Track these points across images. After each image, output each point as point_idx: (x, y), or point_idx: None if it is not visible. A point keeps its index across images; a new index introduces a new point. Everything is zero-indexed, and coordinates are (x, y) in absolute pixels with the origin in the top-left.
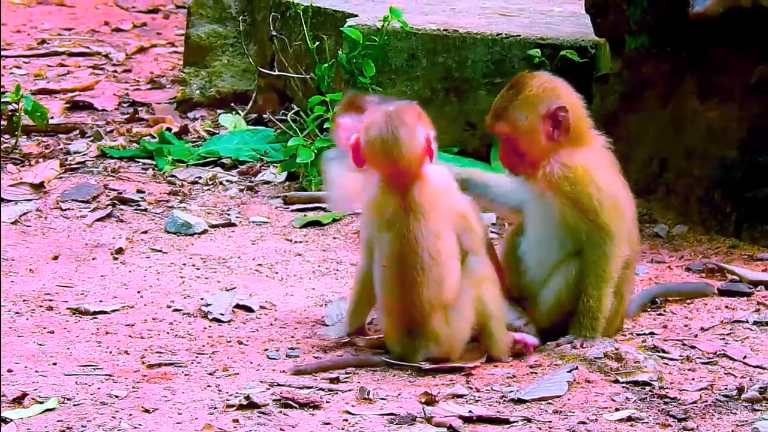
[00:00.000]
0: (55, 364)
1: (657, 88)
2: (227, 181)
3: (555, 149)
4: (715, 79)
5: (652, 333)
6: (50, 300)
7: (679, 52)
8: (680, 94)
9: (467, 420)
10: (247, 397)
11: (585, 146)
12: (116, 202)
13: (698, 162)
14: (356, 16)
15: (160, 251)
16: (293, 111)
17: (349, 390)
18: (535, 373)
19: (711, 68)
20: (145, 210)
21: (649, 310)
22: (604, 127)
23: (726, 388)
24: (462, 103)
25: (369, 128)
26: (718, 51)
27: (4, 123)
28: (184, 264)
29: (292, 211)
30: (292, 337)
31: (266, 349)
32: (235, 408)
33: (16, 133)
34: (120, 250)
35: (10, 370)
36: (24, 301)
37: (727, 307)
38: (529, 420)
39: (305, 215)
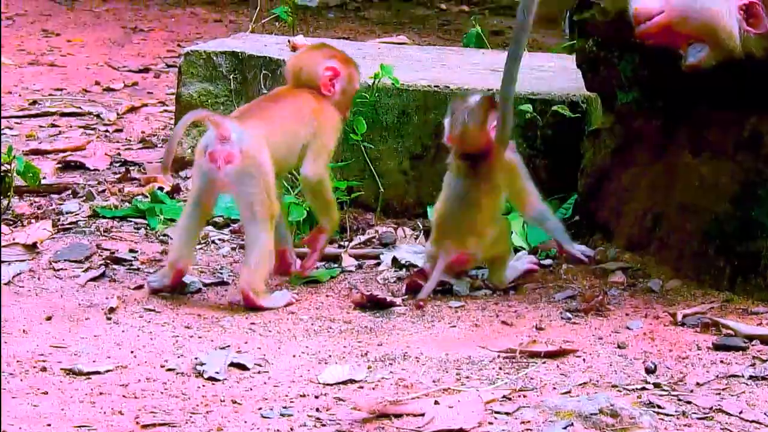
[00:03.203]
0: (49, 425)
1: (649, 142)
2: (219, 239)
3: None
4: (707, 133)
5: (645, 388)
6: (44, 361)
7: (671, 106)
8: (672, 148)
9: None
10: None
11: None
12: (109, 261)
13: (691, 216)
14: None
15: (153, 311)
16: None
17: None
18: (530, 430)
19: (703, 122)
20: (138, 269)
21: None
22: (596, 182)
23: None
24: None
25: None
26: (710, 105)
27: None
28: (178, 323)
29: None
30: (286, 395)
31: (260, 408)
32: None
33: (9, 194)
34: (113, 310)
35: None
36: (18, 362)
37: (722, 361)
38: None
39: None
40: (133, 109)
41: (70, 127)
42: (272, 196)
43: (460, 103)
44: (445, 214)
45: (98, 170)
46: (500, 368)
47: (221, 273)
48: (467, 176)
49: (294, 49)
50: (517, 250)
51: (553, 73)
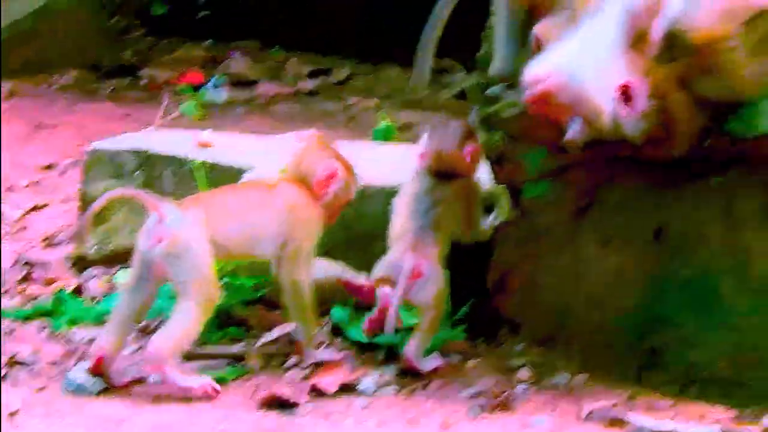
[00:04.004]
0: None
1: (556, 236)
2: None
3: None
4: (614, 226)
5: None
6: None
7: (578, 200)
8: (579, 241)
9: None
10: None
11: None
12: (12, 364)
13: (598, 310)
14: (253, 169)
15: (57, 413)
16: None
17: None
18: None
19: (610, 216)
20: (41, 371)
21: None
22: (503, 275)
23: None
24: (363, 256)
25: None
26: (617, 197)
27: None
28: (82, 426)
29: (192, 368)
30: None
31: None
32: None
33: None
34: (15, 413)
35: None
36: None
37: None
38: None
39: (207, 371)
40: (36, 208)
41: None
42: (207, 280)
43: (438, 126)
44: (407, 228)
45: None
46: None
47: (130, 370)
48: (434, 192)
49: (201, 145)
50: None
51: None
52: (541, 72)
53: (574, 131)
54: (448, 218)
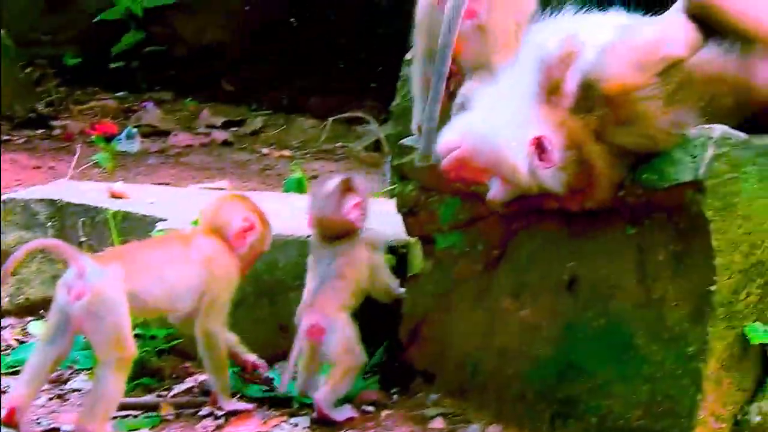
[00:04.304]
0: None
1: (469, 287)
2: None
3: None
4: (527, 277)
5: None
6: None
7: (491, 251)
8: (492, 292)
9: None
10: None
11: None
12: None
13: (511, 360)
14: (166, 220)
15: None
16: None
17: None
18: None
19: (523, 266)
20: None
21: None
22: (416, 327)
23: None
24: (273, 306)
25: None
26: (530, 248)
27: None
28: None
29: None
30: None
31: None
32: None
33: None
34: None
35: None
36: None
37: None
38: None
39: (121, 422)
40: None
41: None
42: (123, 338)
43: (318, 187)
44: (312, 289)
45: None
46: None
47: (39, 423)
48: (329, 251)
49: (114, 196)
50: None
51: (374, 218)
52: (453, 139)
53: (495, 191)
54: (350, 272)
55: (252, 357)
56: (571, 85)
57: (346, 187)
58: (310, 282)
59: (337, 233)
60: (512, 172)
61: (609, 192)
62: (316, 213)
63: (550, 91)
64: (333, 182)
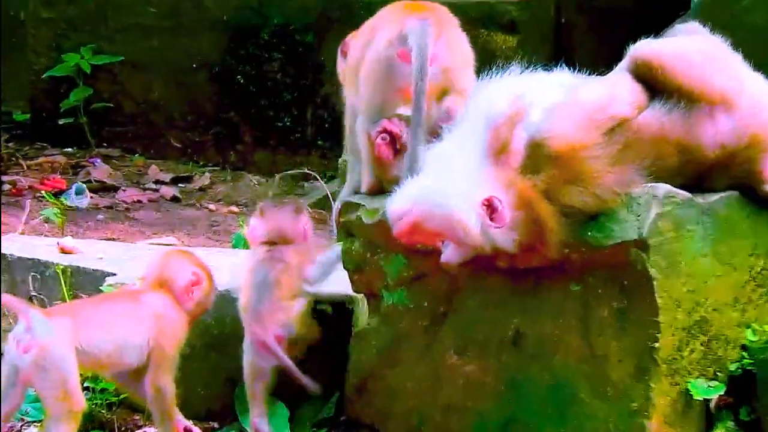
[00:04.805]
0: None
1: (414, 342)
2: None
3: None
4: (473, 332)
5: None
6: None
7: (437, 306)
8: (437, 348)
9: None
10: None
11: None
12: None
13: (456, 415)
14: (115, 274)
15: None
16: None
17: None
18: None
19: (468, 322)
20: None
21: None
22: (362, 381)
23: None
24: (222, 358)
25: None
26: (475, 304)
27: None
28: None
29: None
30: None
31: None
32: None
33: None
34: None
35: None
36: None
37: None
38: None
39: None
40: None
41: None
42: (71, 392)
43: (271, 205)
44: (251, 300)
45: None
46: None
47: None
48: (268, 261)
49: (63, 251)
50: None
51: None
52: (403, 206)
53: (448, 254)
54: (290, 277)
55: (187, 423)
56: (518, 144)
57: (299, 208)
58: (245, 294)
59: (285, 238)
60: (464, 233)
61: (559, 250)
62: (273, 218)
63: (499, 151)
64: (288, 200)
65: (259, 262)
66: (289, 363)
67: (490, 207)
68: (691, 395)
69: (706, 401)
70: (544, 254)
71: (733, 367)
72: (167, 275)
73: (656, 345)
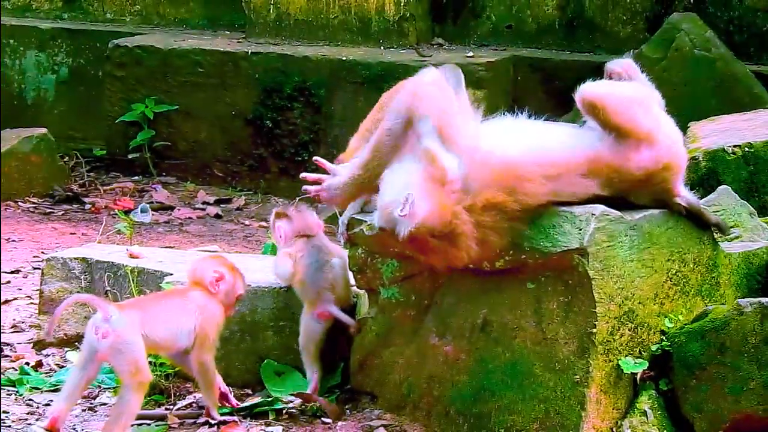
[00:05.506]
0: None
1: (404, 328)
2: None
3: None
4: (450, 320)
5: None
6: None
7: (422, 300)
8: (423, 332)
9: None
10: None
11: None
12: None
13: (437, 385)
14: (172, 274)
15: None
16: None
17: None
18: None
19: (446, 312)
20: (9, 426)
21: None
22: (364, 358)
23: None
24: (254, 342)
25: None
26: (452, 298)
27: None
28: None
29: None
30: None
31: None
32: None
33: None
34: None
35: None
36: None
37: None
38: None
39: (138, 429)
40: (6, 302)
41: None
42: (140, 368)
43: (286, 210)
44: (308, 279)
45: None
46: None
47: (75, 430)
48: (313, 248)
49: (131, 256)
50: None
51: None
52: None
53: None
54: (330, 257)
55: (224, 387)
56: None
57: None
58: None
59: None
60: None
61: (496, 256)
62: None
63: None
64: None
65: (307, 250)
66: (346, 317)
67: (406, 201)
68: (622, 370)
69: (633, 375)
70: (456, 256)
71: (654, 348)
72: (198, 275)
73: (594, 330)
